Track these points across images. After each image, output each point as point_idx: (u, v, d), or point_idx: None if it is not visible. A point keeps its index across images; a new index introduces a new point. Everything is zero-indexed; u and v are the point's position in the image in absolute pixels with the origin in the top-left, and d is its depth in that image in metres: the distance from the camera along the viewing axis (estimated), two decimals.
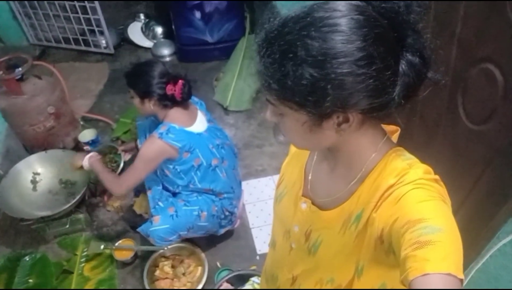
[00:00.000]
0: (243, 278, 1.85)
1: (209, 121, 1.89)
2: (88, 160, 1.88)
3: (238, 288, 1.83)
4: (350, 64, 0.54)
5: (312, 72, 0.55)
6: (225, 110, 2.89)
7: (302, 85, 0.56)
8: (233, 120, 2.85)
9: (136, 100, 1.75)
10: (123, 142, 2.58)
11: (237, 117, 2.88)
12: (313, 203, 0.77)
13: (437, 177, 0.63)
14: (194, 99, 1.92)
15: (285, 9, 2.40)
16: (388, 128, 0.72)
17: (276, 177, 2.45)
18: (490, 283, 0.98)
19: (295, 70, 0.56)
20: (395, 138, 0.73)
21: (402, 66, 0.58)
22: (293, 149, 0.90)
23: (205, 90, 3.03)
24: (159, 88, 1.69)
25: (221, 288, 1.82)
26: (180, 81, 1.70)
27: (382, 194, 0.63)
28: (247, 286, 1.82)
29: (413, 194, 0.59)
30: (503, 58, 0.96)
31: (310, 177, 0.80)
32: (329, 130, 0.62)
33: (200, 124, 1.81)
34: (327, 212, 0.74)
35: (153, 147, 1.68)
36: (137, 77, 1.73)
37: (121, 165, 2.13)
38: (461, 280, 0.49)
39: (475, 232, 1.06)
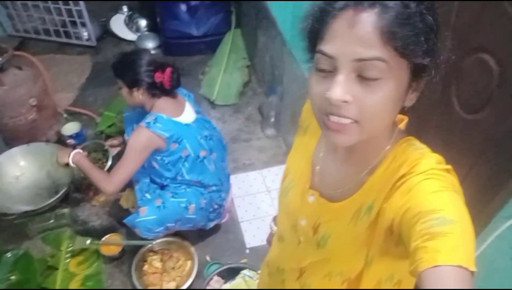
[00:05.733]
0: (234, 272, 1.85)
1: (197, 112, 1.87)
2: (73, 157, 1.73)
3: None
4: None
5: (431, 16, 0.56)
6: (212, 104, 2.87)
7: (425, 30, 0.56)
8: (220, 114, 2.83)
9: (125, 90, 1.72)
10: (108, 136, 2.53)
11: (224, 111, 2.86)
12: (321, 196, 0.76)
13: (449, 167, 0.62)
14: (183, 91, 1.90)
15: (273, 4, 2.37)
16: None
17: (264, 171, 2.45)
18: (486, 267, 1.00)
19: (419, 13, 0.55)
20: (402, 127, 0.73)
21: None
22: (297, 141, 0.87)
23: (191, 84, 2.98)
24: (147, 76, 1.66)
25: (212, 281, 1.81)
26: (168, 68, 1.68)
27: (393, 184, 0.63)
28: (238, 279, 1.81)
29: (425, 185, 0.58)
30: (498, 47, 0.98)
31: (317, 169, 0.78)
32: (409, 95, 0.62)
33: (188, 115, 1.79)
34: (336, 204, 0.73)
35: (141, 138, 1.65)
36: (124, 66, 1.70)
37: (109, 162, 2.07)
38: (472, 273, 0.48)
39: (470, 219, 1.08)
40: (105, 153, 2.16)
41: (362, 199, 0.68)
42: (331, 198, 0.74)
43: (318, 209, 0.76)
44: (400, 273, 0.72)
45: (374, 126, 0.59)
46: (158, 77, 1.66)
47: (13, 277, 1.89)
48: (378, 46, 0.53)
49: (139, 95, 1.69)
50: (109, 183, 1.64)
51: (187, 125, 1.76)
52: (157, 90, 1.69)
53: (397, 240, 0.61)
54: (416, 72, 0.59)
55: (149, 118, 1.66)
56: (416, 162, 0.62)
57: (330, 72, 0.57)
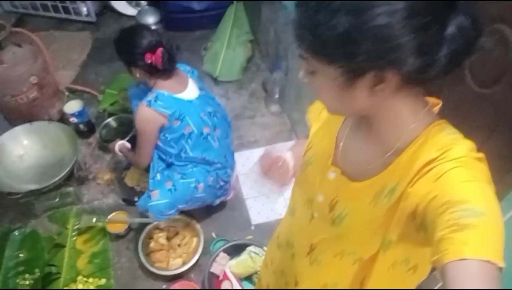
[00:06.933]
0: (240, 248, 1.85)
1: (201, 89, 1.84)
2: (117, 147, 1.94)
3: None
4: (387, 16, 0.50)
5: (346, 21, 0.51)
6: (215, 80, 2.82)
7: (335, 35, 0.53)
8: (223, 91, 2.79)
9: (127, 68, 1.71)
10: (110, 114, 2.51)
11: (227, 87, 2.81)
12: (342, 173, 0.74)
13: (481, 155, 0.60)
14: (186, 67, 1.87)
15: None
16: (429, 100, 0.68)
17: (269, 148, 2.43)
18: None
19: (329, 18, 0.52)
20: (436, 110, 0.69)
21: (451, 28, 0.53)
22: (324, 115, 0.85)
23: (193, 60, 2.93)
24: (138, 57, 1.63)
25: (218, 258, 1.82)
26: (159, 49, 1.64)
27: (420, 168, 0.60)
28: (243, 255, 1.82)
29: (456, 173, 0.56)
30: None
31: (341, 146, 0.76)
32: (362, 91, 0.58)
33: (191, 91, 1.76)
34: (357, 183, 0.71)
35: (144, 116, 1.65)
36: (121, 45, 1.69)
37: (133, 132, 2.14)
38: (501, 269, 0.47)
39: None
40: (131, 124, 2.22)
41: (385, 181, 0.66)
42: (353, 177, 0.72)
43: (338, 186, 0.74)
44: (417, 258, 0.71)
45: (332, 106, 0.66)
46: (149, 58, 1.62)
47: (21, 255, 1.91)
48: (299, 46, 0.60)
49: (137, 74, 1.68)
50: (139, 164, 1.87)
51: (189, 101, 1.73)
52: (153, 69, 1.66)
53: (419, 226, 0.59)
54: (355, 71, 0.56)
55: (150, 96, 1.65)
56: (448, 147, 0.59)
57: None
